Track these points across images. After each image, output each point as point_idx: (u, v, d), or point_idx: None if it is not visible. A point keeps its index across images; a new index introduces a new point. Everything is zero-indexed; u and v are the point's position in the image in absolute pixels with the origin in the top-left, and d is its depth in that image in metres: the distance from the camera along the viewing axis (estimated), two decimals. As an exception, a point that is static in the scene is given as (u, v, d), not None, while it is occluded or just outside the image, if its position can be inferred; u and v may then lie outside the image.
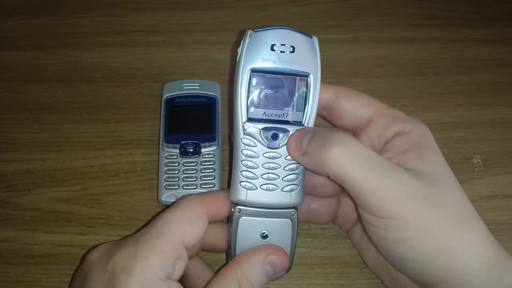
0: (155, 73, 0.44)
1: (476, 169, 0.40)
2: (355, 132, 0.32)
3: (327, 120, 0.33)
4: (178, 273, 0.25)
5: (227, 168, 0.39)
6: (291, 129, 0.29)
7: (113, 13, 0.48)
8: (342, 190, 0.33)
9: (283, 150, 0.29)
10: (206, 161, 0.37)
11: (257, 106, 0.29)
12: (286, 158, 0.30)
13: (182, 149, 0.37)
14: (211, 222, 0.28)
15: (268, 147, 0.29)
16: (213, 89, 0.41)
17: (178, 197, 0.36)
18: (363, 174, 0.26)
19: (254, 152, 0.29)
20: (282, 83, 0.30)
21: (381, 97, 0.43)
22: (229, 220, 0.29)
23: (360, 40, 0.47)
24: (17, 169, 0.38)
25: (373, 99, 0.32)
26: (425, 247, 0.26)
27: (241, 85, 0.29)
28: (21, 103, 0.42)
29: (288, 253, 0.29)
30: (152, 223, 0.27)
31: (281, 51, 0.29)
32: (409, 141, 0.29)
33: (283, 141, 0.29)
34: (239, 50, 0.29)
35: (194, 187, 0.36)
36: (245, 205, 0.29)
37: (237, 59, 0.29)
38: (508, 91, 0.44)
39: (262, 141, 0.29)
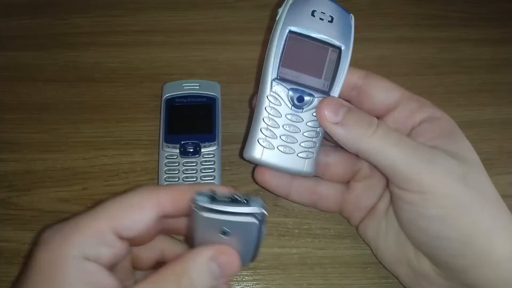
0: (155, 73, 0.44)
1: (476, 169, 0.40)
2: (381, 115, 0.32)
3: (354, 102, 0.33)
4: (106, 258, 0.24)
5: (227, 168, 0.39)
6: (317, 95, 0.30)
7: (113, 13, 0.48)
8: (353, 176, 0.34)
9: (306, 115, 0.30)
10: (206, 161, 0.37)
11: (289, 67, 0.30)
12: (308, 123, 0.30)
13: (182, 149, 0.37)
14: (168, 216, 0.26)
15: (292, 108, 0.29)
16: (213, 89, 0.41)
17: (178, 197, 0.36)
18: (400, 150, 0.27)
19: (278, 110, 0.30)
20: (317, 49, 0.30)
21: (381, 97, 0.43)
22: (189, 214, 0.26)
23: (360, 40, 0.46)
24: (17, 169, 0.38)
25: (400, 86, 0.32)
26: (464, 225, 0.26)
27: (277, 43, 0.29)
28: (21, 103, 0.42)
29: (251, 253, 0.26)
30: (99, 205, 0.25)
31: (321, 18, 0.29)
32: (440, 127, 0.29)
33: (308, 106, 0.30)
34: (280, 10, 0.30)
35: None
36: (206, 207, 0.23)
37: (277, 18, 0.30)
38: (508, 91, 0.44)
39: (288, 101, 0.29)
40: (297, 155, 0.30)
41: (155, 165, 0.38)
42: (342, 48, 0.30)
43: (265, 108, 0.29)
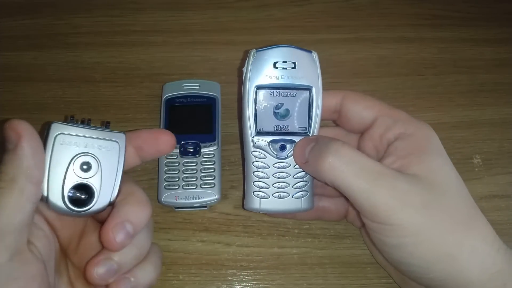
0: (155, 73, 0.44)
1: (476, 169, 0.40)
2: (362, 134, 0.32)
3: (337, 124, 0.34)
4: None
5: (227, 168, 0.39)
6: (297, 139, 0.31)
7: (113, 13, 0.48)
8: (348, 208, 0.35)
9: (291, 160, 0.31)
10: (206, 161, 0.37)
11: (265, 120, 0.31)
12: (295, 167, 0.31)
13: (182, 149, 0.37)
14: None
15: (277, 157, 0.31)
16: (213, 89, 0.41)
17: (178, 197, 0.36)
18: (358, 182, 0.27)
19: (265, 163, 0.31)
20: (287, 97, 0.31)
21: (381, 97, 0.43)
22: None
23: (360, 40, 0.47)
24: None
25: (378, 101, 0.32)
26: (423, 253, 0.26)
27: (248, 102, 0.31)
28: (21, 103, 0.42)
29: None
30: None
31: (283, 68, 0.31)
32: (411, 144, 0.29)
33: (291, 151, 0.31)
34: (244, 69, 0.31)
35: (194, 187, 0.36)
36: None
37: (243, 78, 0.31)
38: (508, 91, 0.44)
39: (272, 152, 0.31)
40: (292, 197, 0.32)
41: (155, 165, 0.38)
42: (312, 88, 0.31)
43: (253, 163, 0.31)
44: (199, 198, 0.36)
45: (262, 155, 0.31)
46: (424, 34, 0.48)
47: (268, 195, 0.31)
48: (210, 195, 0.36)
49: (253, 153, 0.31)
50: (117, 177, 0.26)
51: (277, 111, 0.31)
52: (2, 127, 0.24)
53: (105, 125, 0.27)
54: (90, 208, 0.25)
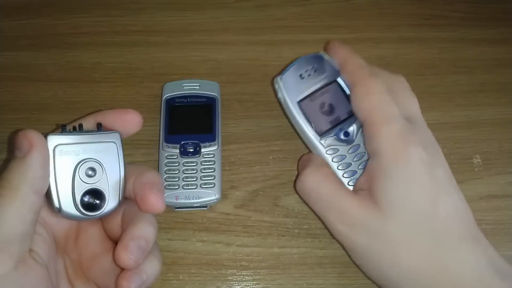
0: (155, 73, 0.44)
1: (476, 169, 0.40)
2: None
3: None
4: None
5: (227, 168, 0.39)
6: (355, 119, 0.34)
7: (113, 13, 0.48)
8: None
9: (358, 139, 0.34)
10: (206, 161, 0.37)
11: (319, 122, 0.35)
12: (362, 145, 0.34)
13: (182, 149, 0.37)
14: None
15: (350, 144, 0.34)
16: (213, 89, 0.41)
17: (178, 197, 0.36)
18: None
19: (341, 155, 0.34)
20: (324, 95, 0.35)
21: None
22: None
23: (360, 40, 0.47)
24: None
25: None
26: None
27: (299, 117, 0.34)
28: (21, 103, 0.42)
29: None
30: None
31: (308, 75, 0.35)
32: (372, 169, 0.31)
33: (356, 133, 0.34)
34: (280, 96, 0.35)
35: (194, 187, 0.36)
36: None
37: (283, 102, 0.35)
38: (508, 91, 0.44)
39: (343, 143, 0.34)
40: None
41: (155, 165, 0.38)
42: (337, 78, 0.35)
43: (332, 161, 0.34)
44: (199, 198, 0.36)
45: (336, 151, 0.34)
46: (424, 34, 0.48)
47: (357, 176, 0.34)
48: (210, 195, 0.36)
49: (328, 152, 0.34)
50: (121, 176, 0.26)
51: (323, 110, 0.35)
52: (15, 135, 0.24)
53: (98, 128, 0.27)
54: (103, 210, 0.26)
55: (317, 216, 0.34)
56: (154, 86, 0.43)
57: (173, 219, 0.37)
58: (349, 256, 0.33)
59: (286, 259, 0.36)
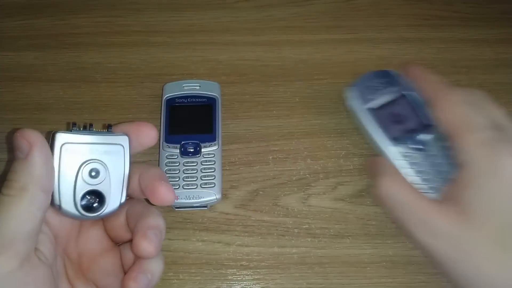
0: (155, 73, 0.44)
1: (475, 169, 0.40)
2: None
3: None
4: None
5: (227, 168, 0.39)
6: (431, 111, 0.34)
7: (113, 13, 0.48)
8: None
9: (434, 150, 0.34)
10: (206, 161, 0.37)
11: (393, 130, 0.35)
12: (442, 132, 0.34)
13: (182, 149, 0.37)
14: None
15: (423, 152, 0.34)
16: (213, 90, 0.41)
17: (178, 197, 0.36)
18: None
19: (416, 161, 0.34)
20: (397, 105, 0.37)
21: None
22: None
23: (360, 40, 0.47)
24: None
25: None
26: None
27: (372, 125, 0.36)
28: (22, 103, 0.43)
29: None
30: None
31: (378, 88, 0.37)
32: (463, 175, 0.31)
33: (431, 143, 0.34)
34: (352, 104, 0.37)
35: (195, 187, 0.36)
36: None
37: (355, 111, 0.37)
38: (507, 91, 0.44)
39: (416, 151, 0.34)
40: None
41: (155, 165, 0.38)
42: (406, 93, 0.37)
43: (406, 167, 0.34)
44: (199, 198, 0.36)
45: (410, 157, 0.34)
46: (423, 35, 0.48)
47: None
48: (210, 195, 0.36)
49: (401, 159, 0.34)
50: (124, 180, 0.26)
51: (394, 119, 0.36)
52: (12, 135, 0.24)
53: (107, 129, 0.27)
54: (102, 212, 0.26)
55: (393, 221, 0.34)
56: (154, 86, 0.43)
57: (173, 218, 0.37)
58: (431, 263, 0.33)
59: (286, 258, 0.36)
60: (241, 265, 0.36)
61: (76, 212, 0.25)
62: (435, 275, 0.35)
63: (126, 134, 0.27)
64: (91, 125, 0.26)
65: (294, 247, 0.36)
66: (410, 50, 0.47)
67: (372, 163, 0.36)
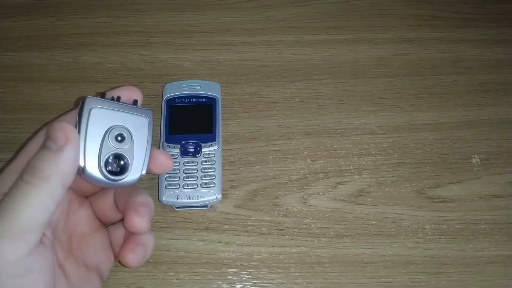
0: (155, 73, 0.45)
1: (475, 169, 0.40)
2: None
3: None
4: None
5: (227, 168, 0.39)
6: None
7: (114, 14, 0.48)
8: None
9: None
10: (206, 161, 0.37)
11: None
12: None
13: (182, 149, 0.38)
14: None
15: None
16: (213, 90, 0.41)
17: (178, 197, 0.36)
18: None
19: None
20: None
21: (380, 98, 0.44)
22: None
23: (359, 40, 0.47)
24: (19, 169, 0.39)
25: None
26: None
27: None
28: (23, 103, 0.43)
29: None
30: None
31: None
32: None
33: None
34: None
35: (195, 186, 0.36)
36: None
37: None
38: (506, 91, 0.44)
39: None
40: None
41: (155, 165, 0.38)
42: None
43: None
44: (200, 198, 0.36)
45: None
46: (423, 35, 0.48)
47: None
48: (210, 195, 0.36)
49: None
50: (146, 152, 0.27)
51: None
52: (47, 125, 0.25)
53: (134, 103, 0.28)
54: (125, 178, 0.26)
55: None
56: (154, 87, 0.43)
57: (174, 218, 0.37)
58: None
59: (285, 258, 0.36)
60: (241, 264, 0.36)
61: (100, 175, 0.25)
62: (434, 275, 0.35)
63: (151, 110, 0.28)
64: (119, 97, 0.27)
65: (294, 247, 0.36)
66: (410, 50, 0.47)
67: None
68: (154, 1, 0.49)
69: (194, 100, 0.40)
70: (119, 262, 0.27)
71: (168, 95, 0.40)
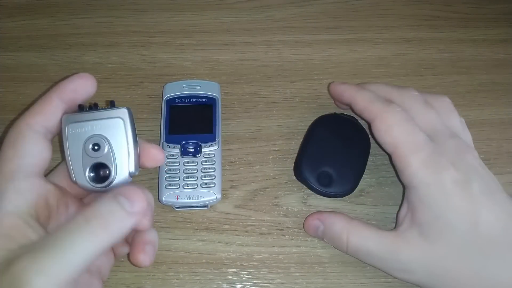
0: (155, 73, 0.45)
1: (475, 169, 0.40)
2: None
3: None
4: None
5: (228, 168, 0.39)
6: None
7: (114, 14, 0.48)
8: None
9: None
10: (206, 161, 0.37)
11: None
12: None
13: (182, 149, 0.38)
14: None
15: None
16: (213, 90, 0.41)
17: (178, 197, 0.36)
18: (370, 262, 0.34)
19: None
20: None
21: (380, 98, 0.43)
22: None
23: (359, 40, 0.47)
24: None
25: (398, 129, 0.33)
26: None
27: None
28: (23, 104, 0.43)
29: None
30: None
31: None
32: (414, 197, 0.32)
33: None
34: None
35: (195, 186, 0.36)
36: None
37: None
38: (507, 91, 0.44)
39: None
40: None
41: (155, 165, 0.38)
42: None
43: None
44: (200, 198, 0.36)
45: None
46: (422, 35, 0.48)
47: None
48: (210, 195, 0.36)
49: None
50: (129, 150, 0.27)
51: None
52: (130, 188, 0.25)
53: (110, 105, 0.28)
54: (112, 182, 0.27)
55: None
56: (154, 87, 0.43)
57: (174, 218, 0.37)
58: None
59: (285, 258, 0.36)
60: (241, 264, 0.36)
61: (89, 185, 0.27)
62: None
63: (126, 107, 0.28)
64: (95, 104, 0.28)
65: (294, 247, 0.36)
66: (410, 50, 0.47)
67: (315, 221, 0.35)
68: (154, 1, 0.49)
69: (194, 100, 0.40)
70: (131, 263, 0.27)
71: (168, 95, 0.40)
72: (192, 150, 0.38)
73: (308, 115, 0.42)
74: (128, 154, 0.27)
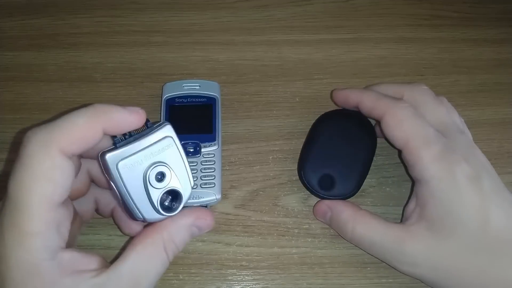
0: (155, 73, 0.44)
1: (476, 169, 0.40)
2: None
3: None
4: (64, 235, 0.23)
5: (227, 168, 0.39)
6: None
7: (113, 13, 0.48)
8: None
9: None
10: (206, 161, 0.37)
11: None
12: None
13: (182, 149, 0.37)
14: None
15: None
16: (213, 89, 0.41)
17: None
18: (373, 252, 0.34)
19: None
20: None
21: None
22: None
23: (360, 40, 0.47)
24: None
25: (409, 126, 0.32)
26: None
27: None
28: (22, 103, 0.43)
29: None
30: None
31: None
32: (424, 192, 0.31)
33: None
34: None
35: (195, 187, 0.36)
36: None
37: None
38: (507, 91, 0.44)
39: None
40: None
41: (155, 165, 0.38)
42: None
43: None
44: (200, 198, 0.36)
45: None
46: (423, 34, 0.48)
47: None
48: (210, 195, 0.36)
49: None
50: (185, 165, 0.26)
51: None
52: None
53: (146, 125, 0.26)
54: (182, 204, 0.26)
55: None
56: (154, 86, 0.43)
57: (173, 219, 0.37)
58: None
59: (286, 259, 0.36)
60: (241, 265, 0.36)
61: (161, 217, 0.26)
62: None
63: (167, 122, 0.26)
64: (129, 133, 0.25)
65: (294, 247, 0.36)
66: (410, 50, 0.47)
67: (325, 207, 0.35)
68: (154, 0, 0.49)
69: (193, 100, 0.40)
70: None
71: (167, 94, 0.40)
72: (191, 150, 0.38)
73: (308, 115, 0.42)
74: (186, 169, 0.26)
